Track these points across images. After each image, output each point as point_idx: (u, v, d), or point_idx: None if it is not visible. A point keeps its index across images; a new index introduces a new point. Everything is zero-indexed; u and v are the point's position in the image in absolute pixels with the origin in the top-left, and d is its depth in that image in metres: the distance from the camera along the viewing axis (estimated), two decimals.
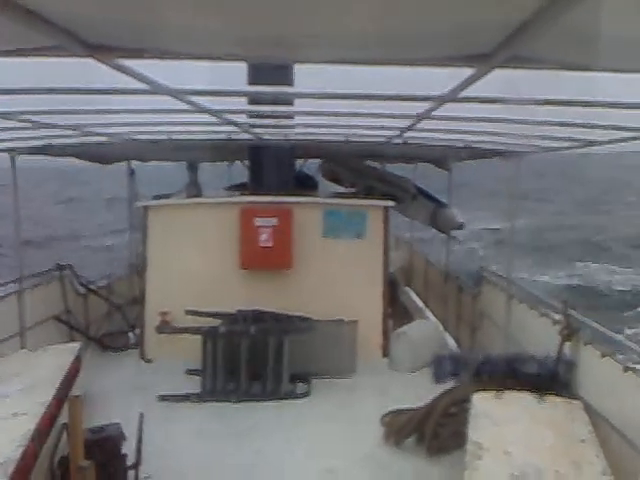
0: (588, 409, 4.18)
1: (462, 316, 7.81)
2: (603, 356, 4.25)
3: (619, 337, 4.47)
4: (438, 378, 6.34)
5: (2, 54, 2.45)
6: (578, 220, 34.79)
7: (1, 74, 2.92)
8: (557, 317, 5.11)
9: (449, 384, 5.91)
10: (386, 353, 6.88)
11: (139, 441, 3.92)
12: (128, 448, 3.95)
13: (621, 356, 4.17)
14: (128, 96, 3.44)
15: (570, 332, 4.77)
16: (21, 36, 2.10)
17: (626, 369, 3.92)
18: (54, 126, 4.70)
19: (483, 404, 4.16)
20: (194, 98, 3.51)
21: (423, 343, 6.75)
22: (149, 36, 2.29)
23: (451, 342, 7.77)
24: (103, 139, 5.90)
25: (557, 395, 4.48)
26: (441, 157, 8.29)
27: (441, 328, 8.01)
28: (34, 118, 4.25)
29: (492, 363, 5.16)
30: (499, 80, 2.51)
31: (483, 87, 2.67)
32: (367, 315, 6.74)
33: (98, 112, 4.25)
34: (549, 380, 4.72)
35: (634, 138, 4.07)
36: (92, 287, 7.75)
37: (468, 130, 4.88)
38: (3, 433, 3.57)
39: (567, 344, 4.77)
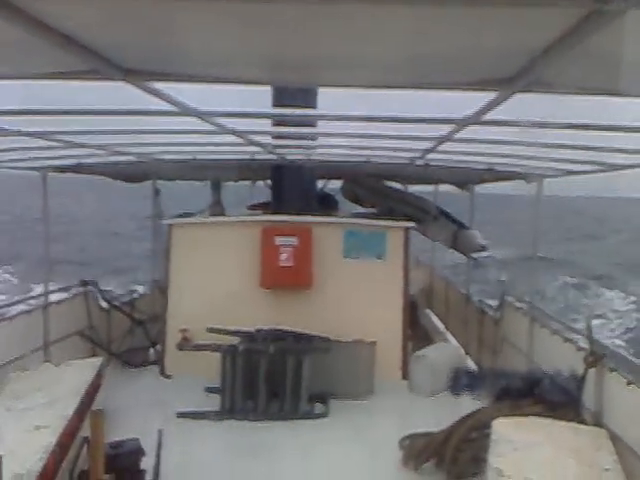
0: (613, 438, 4.07)
1: (483, 340, 7.70)
2: (629, 384, 4.15)
3: None
4: (455, 391, 6.30)
5: (39, 77, 2.57)
6: None
7: (36, 95, 3.05)
8: (581, 343, 5.01)
9: (466, 400, 5.86)
10: (405, 375, 6.80)
11: (157, 457, 3.94)
12: (147, 464, 3.96)
13: None
14: (157, 117, 3.56)
15: (595, 359, 4.67)
16: (57, 60, 2.20)
17: None
18: (84, 145, 4.86)
19: (504, 429, 4.08)
20: (220, 120, 3.60)
21: (443, 366, 6.66)
22: (178, 60, 2.38)
23: (472, 366, 7.65)
24: (131, 158, 6.06)
25: (579, 422, 4.37)
26: (462, 179, 8.28)
27: (462, 352, 7.90)
28: (66, 138, 4.40)
29: (510, 381, 5.08)
30: (521, 103, 2.53)
31: (505, 110, 2.70)
32: (386, 336, 6.70)
33: (127, 132, 4.38)
34: (569, 404, 4.62)
35: None
36: (115, 303, 7.86)
37: (490, 152, 4.88)
38: (26, 445, 3.62)
39: (592, 371, 4.67)
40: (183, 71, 2.52)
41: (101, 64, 2.20)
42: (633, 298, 24.85)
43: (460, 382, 6.36)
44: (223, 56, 2.25)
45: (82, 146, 4.85)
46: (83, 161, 6.09)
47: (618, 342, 17.96)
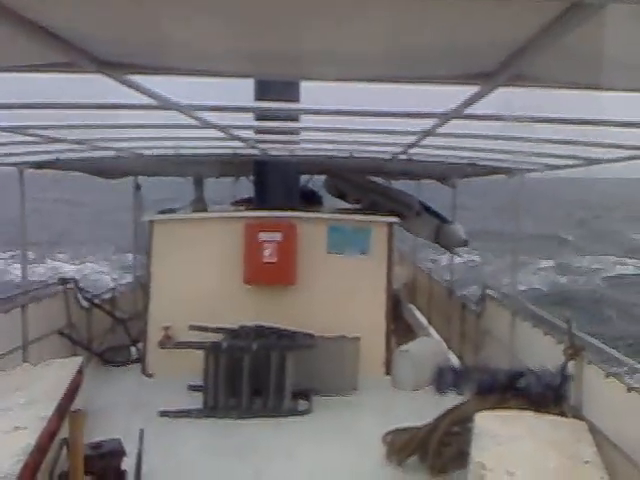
0: (592, 430, 4.13)
1: (466, 334, 7.77)
2: (607, 376, 4.21)
3: (624, 357, 4.43)
4: (439, 389, 6.35)
5: (14, 70, 2.50)
6: None
7: (11, 89, 2.97)
8: (561, 336, 5.07)
9: (450, 396, 5.91)
10: (389, 371, 6.83)
11: (139, 457, 3.90)
12: (128, 464, 3.92)
13: (626, 376, 4.13)
14: (136, 111, 3.49)
15: (574, 351, 4.73)
16: (32, 52, 2.14)
17: (630, 389, 3.88)
18: (62, 140, 4.76)
19: (486, 423, 4.12)
20: (201, 113, 3.55)
21: (426, 361, 6.70)
22: (158, 53, 2.33)
23: (454, 360, 7.71)
24: (110, 154, 5.96)
25: (560, 414, 4.43)
26: (445, 174, 8.32)
27: (444, 346, 7.96)
28: (42, 132, 4.30)
29: (493, 376, 5.13)
30: (503, 98, 2.54)
31: (487, 105, 2.70)
32: (370, 332, 6.72)
33: (106, 127, 4.30)
34: (551, 397, 4.68)
35: (635, 157, 4.08)
36: (96, 301, 7.75)
37: (472, 147, 4.91)
38: (3, 447, 3.54)
39: (571, 363, 4.73)
40: (162, 64, 2.47)
41: (76, 56, 2.15)
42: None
43: (445, 380, 6.41)
44: (203, 48, 2.21)
45: (60, 141, 4.75)
46: (61, 156, 5.97)
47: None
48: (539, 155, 5.05)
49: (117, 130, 4.51)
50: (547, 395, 4.73)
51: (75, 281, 7.42)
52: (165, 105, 3.16)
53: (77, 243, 32.87)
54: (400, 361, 6.68)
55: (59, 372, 5.17)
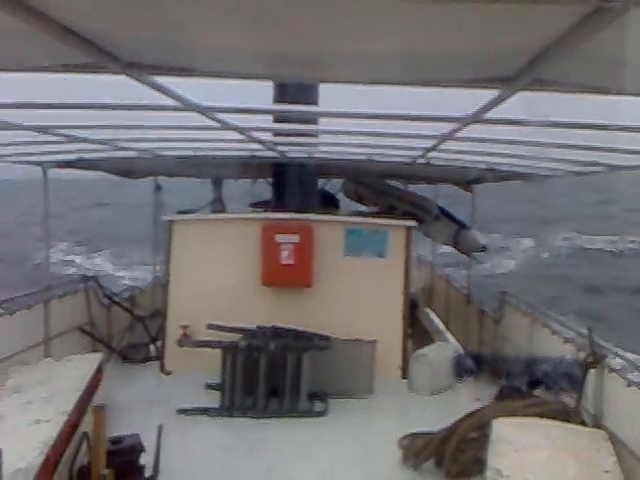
0: (613, 439, 4.06)
1: (483, 339, 7.69)
2: (629, 385, 4.13)
3: None
4: (458, 375, 6.31)
5: (39, 70, 2.56)
6: None
7: (36, 88, 3.04)
8: (581, 344, 4.99)
9: (469, 381, 5.86)
10: (405, 374, 6.79)
11: (157, 453, 3.94)
12: (146, 459, 3.97)
13: None
14: (158, 112, 3.54)
15: (595, 359, 4.65)
16: (58, 53, 2.19)
17: None
18: (85, 140, 4.85)
19: (504, 430, 4.07)
20: (221, 115, 3.59)
21: (443, 366, 6.65)
22: (180, 54, 2.37)
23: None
24: (132, 154, 6.05)
25: (580, 423, 4.36)
26: (464, 178, 8.26)
27: (461, 351, 7.89)
28: (66, 132, 4.39)
29: (512, 365, 5.11)
30: (523, 102, 2.52)
31: (507, 109, 2.68)
32: (387, 335, 6.69)
33: (128, 127, 4.37)
34: (573, 402, 4.63)
35: None
36: (116, 299, 7.87)
37: (491, 152, 4.86)
38: (26, 439, 3.62)
39: (591, 371, 4.65)
40: (184, 65, 2.51)
41: (102, 57, 2.19)
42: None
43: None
44: (224, 51, 2.24)
45: (83, 141, 4.84)
46: (84, 156, 6.08)
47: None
48: (559, 161, 4.98)
49: (139, 131, 4.58)
50: (566, 403, 4.67)
51: (96, 279, 7.55)
52: (186, 106, 3.20)
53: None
54: (417, 365, 6.63)
55: (80, 368, 5.26)
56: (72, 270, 26.83)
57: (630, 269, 26.61)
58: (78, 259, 31.44)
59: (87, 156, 6.10)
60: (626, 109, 2.59)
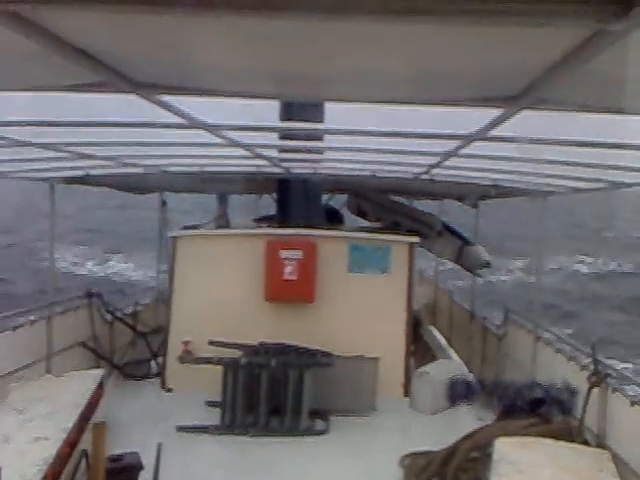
0: (616, 459, 4.01)
1: (487, 357, 7.64)
2: (632, 405, 4.10)
3: None
4: (452, 400, 6.26)
5: (50, 89, 2.61)
6: None
7: (44, 106, 3.08)
8: (585, 362, 4.97)
9: (463, 406, 5.83)
10: (407, 392, 6.74)
11: (156, 471, 3.91)
12: (145, 477, 3.94)
13: None
14: (165, 130, 3.59)
15: (598, 378, 4.62)
16: (69, 72, 2.23)
17: None
18: (93, 157, 4.90)
19: (506, 449, 4.03)
20: (228, 133, 3.63)
21: (445, 384, 6.60)
22: (189, 74, 2.41)
23: (470, 377, 7.58)
24: (139, 170, 6.10)
25: (583, 443, 4.32)
26: (468, 195, 8.29)
27: (465, 368, 7.83)
28: (74, 149, 4.43)
29: (512, 398, 5.07)
30: (526, 121, 2.54)
31: (510, 127, 2.71)
32: (389, 352, 6.66)
33: (135, 144, 4.42)
34: (576, 421, 4.59)
35: None
36: (118, 315, 7.86)
37: (495, 169, 4.90)
38: (25, 457, 3.60)
39: (594, 390, 4.62)
40: (193, 85, 2.56)
41: (112, 77, 2.23)
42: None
43: (457, 392, 6.35)
44: (232, 71, 2.28)
45: (90, 157, 4.89)
46: (91, 172, 6.14)
47: None
48: (562, 178, 5.00)
49: (146, 148, 4.63)
50: (569, 422, 4.63)
51: (100, 294, 7.55)
52: (193, 124, 3.24)
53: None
54: (419, 383, 6.59)
55: (81, 384, 5.24)
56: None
57: None
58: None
59: (94, 172, 6.16)
60: (628, 127, 2.61)
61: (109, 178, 6.78)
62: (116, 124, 3.45)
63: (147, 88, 2.43)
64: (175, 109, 2.84)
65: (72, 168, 5.71)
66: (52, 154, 4.45)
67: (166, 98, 2.65)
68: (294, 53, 1.97)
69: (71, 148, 4.32)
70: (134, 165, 5.69)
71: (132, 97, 2.59)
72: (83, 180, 6.71)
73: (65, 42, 1.82)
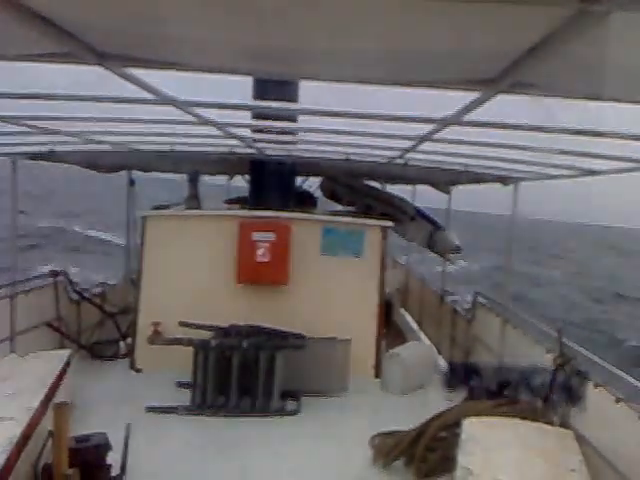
0: (579, 438, 4.15)
1: (456, 339, 7.78)
2: (595, 387, 4.23)
3: (612, 368, 4.46)
4: (450, 385, 6.34)
5: (11, 58, 2.48)
6: None
7: (7, 77, 2.95)
8: (551, 345, 5.10)
9: (461, 393, 5.91)
10: (378, 374, 6.83)
11: (125, 452, 3.87)
12: (114, 458, 3.89)
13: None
14: (133, 105, 3.47)
15: (563, 361, 4.76)
16: (31, 41, 2.12)
17: (618, 400, 3.91)
18: (57, 132, 4.72)
19: (474, 429, 4.12)
20: (199, 110, 3.54)
21: (415, 365, 6.71)
22: (158, 46, 2.32)
23: (444, 365, 7.73)
24: (106, 147, 5.93)
25: (547, 423, 4.45)
26: (441, 180, 8.35)
27: (434, 351, 7.97)
28: (37, 123, 4.27)
29: (482, 381, 5.17)
30: (501, 106, 2.54)
31: (485, 112, 2.71)
32: (361, 334, 6.72)
33: (102, 120, 4.28)
34: (539, 405, 4.72)
35: (635, 169, 4.10)
36: (86, 295, 7.70)
37: (469, 154, 4.92)
38: None
39: (560, 372, 4.75)
40: (162, 58, 2.46)
41: (76, 47, 2.13)
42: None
43: (455, 377, 6.42)
44: (204, 44, 2.20)
45: (55, 133, 4.71)
46: (56, 148, 5.93)
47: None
48: (535, 164, 5.06)
49: (113, 124, 4.48)
50: (535, 403, 4.76)
51: (66, 274, 7.37)
52: (162, 100, 3.15)
53: None
54: (390, 364, 6.68)
55: (46, 364, 5.13)
56: None
57: None
58: None
59: (59, 149, 5.95)
60: (604, 115, 2.64)
61: (75, 155, 6.57)
62: (81, 98, 3.32)
63: (113, 60, 2.33)
64: (143, 84, 2.74)
65: (36, 143, 5.51)
66: (14, 128, 4.27)
67: (134, 71, 2.55)
68: (269, 27, 1.91)
69: (34, 122, 4.16)
70: (101, 142, 5.52)
71: (99, 70, 2.48)
72: (48, 156, 6.49)
73: (28, 9, 1.72)
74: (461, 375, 6.38)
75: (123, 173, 8.96)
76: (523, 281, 30.14)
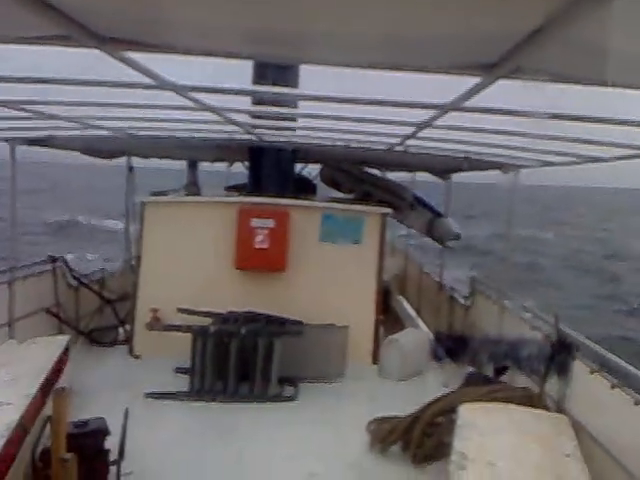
0: (574, 424, 4.20)
1: (453, 327, 7.82)
2: (592, 372, 4.27)
3: (608, 354, 4.49)
4: (437, 357, 6.40)
5: (10, 41, 2.46)
6: None
7: (5, 61, 2.92)
8: (548, 331, 5.13)
9: (447, 364, 6.07)
10: (376, 360, 6.87)
11: (123, 437, 3.90)
12: (112, 443, 3.92)
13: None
14: (133, 90, 3.45)
15: (560, 346, 4.79)
16: (30, 24, 2.10)
17: (613, 386, 3.94)
18: (56, 117, 4.69)
19: (469, 415, 4.16)
20: (198, 95, 3.52)
21: (413, 352, 6.75)
22: (157, 30, 2.30)
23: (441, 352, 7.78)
24: (105, 133, 5.89)
25: (543, 408, 4.49)
26: (441, 167, 8.33)
27: (432, 337, 8.02)
28: (36, 108, 4.24)
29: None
30: (502, 92, 2.53)
31: (486, 98, 2.69)
32: (359, 321, 6.74)
33: (101, 105, 4.24)
34: (538, 387, 4.77)
35: (637, 156, 4.08)
36: (84, 281, 7.71)
37: (469, 141, 4.90)
38: None
39: (556, 358, 4.79)
40: (161, 42, 2.44)
41: (75, 30, 2.11)
42: None
43: (442, 348, 6.48)
44: (204, 27, 2.18)
45: (53, 117, 4.68)
46: (55, 133, 5.89)
47: None
48: (538, 152, 5.04)
49: (112, 109, 4.45)
50: (530, 389, 4.80)
51: (64, 260, 7.37)
52: (161, 85, 3.12)
53: None
54: (387, 351, 6.72)
55: (45, 350, 5.15)
56: None
57: None
58: None
59: (58, 134, 5.91)
60: (607, 101, 2.63)
61: (75, 140, 6.54)
62: (80, 82, 3.29)
63: (112, 43, 2.31)
64: (142, 68, 2.72)
65: (34, 128, 5.47)
66: (12, 112, 4.24)
67: (132, 55, 2.53)
68: (270, 10, 1.89)
69: (32, 107, 4.13)
70: (100, 127, 5.48)
71: (98, 54, 2.46)
72: (47, 142, 6.45)
73: None
74: (447, 345, 6.45)
75: (123, 161, 8.93)
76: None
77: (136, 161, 9.14)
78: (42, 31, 2.22)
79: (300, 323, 6.23)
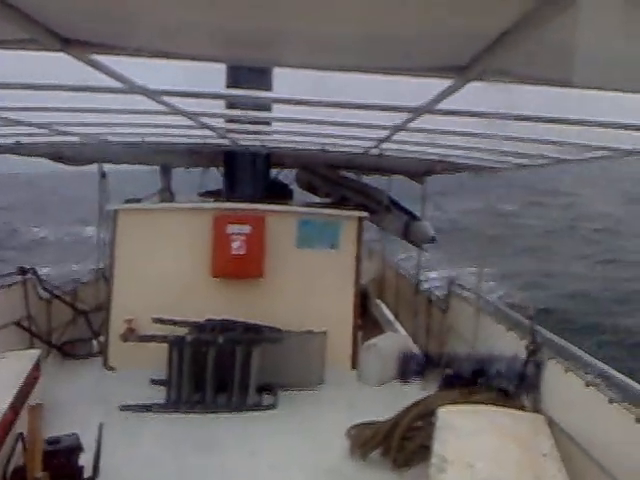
0: (551, 423, 4.24)
1: (431, 329, 7.86)
2: (566, 371, 4.32)
3: (582, 353, 4.55)
4: (404, 376, 6.41)
5: None
6: None
7: None
8: (524, 332, 5.18)
9: (414, 384, 5.98)
10: (355, 365, 6.85)
11: (97, 453, 3.79)
12: (86, 459, 3.80)
13: (585, 372, 4.25)
14: (101, 94, 3.37)
15: (535, 347, 4.85)
16: None
17: (588, 384, 3.99)
18: (22, 123, 4.56)
19: (448, 417, 4.17)
20: (169, 99, 3.45)
21: (392, 356, 6.75)
22: (126, 32, 2.24)
23: (419, 352, 7.80)
24: (75, 139, 5.76)
25: (520, 408, 4.53)
26: (416, 170, 8.38)
27: (411, 341, 8.04)
28: (1, 114, 4.11)
29: (457, 369, 5.24)
30: (475, 94, 2.54)
31: (459, 100, 2.70)
32: (337, 326, 6.72)
33: (69, 110, 4.13)
34: (513, 391, 4.80)
35: (605, 157, 4.15)
36: (56, 292, 7.51)
37: (443, 144, 4.93)
38: None
39: (532, 359, 4.84)
40: (130, 44, 2.37)
41: (39, 33, 2.04)
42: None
43: (409, 368, 6.51)
44: (174, 29, 2.13)
45: (19, 123, 4.55)
46: (22, 140, 5.73)
47: None
48: (509, 154, 5.10)
49: (81, 114, 4.34)
50: (509, 389, 4.84)
51: (34, 271, 7.16)
52: (132, 89, 3.05)
53: None
54: (366, 356, 6.71)
55: (15, 365, 4.98)
56: None
57: None
58: None
59: (25, 140, 5.76)
60: (579, 102, 2.65)
61: (43, 147, 6.37)
62: (47, 87, 3.20)
63: (78, 46, 2.24)
64: (111, 71, 2.65)
65: (1, 135, 5.31)
66: None
67: (101, 58, 2.46)
68: (243, 12, 1.85)
69: None
70: (69, 133, 5.35)
71: (65, 57, 2.38)
72: (14, 149, 6.27)
73: None
74: (413, 367, 6.50)
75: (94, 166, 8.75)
76: None
77: (107, 166, 8.98)
78: (4, 34, 2.14)
79: (278, 330, 6.18)
